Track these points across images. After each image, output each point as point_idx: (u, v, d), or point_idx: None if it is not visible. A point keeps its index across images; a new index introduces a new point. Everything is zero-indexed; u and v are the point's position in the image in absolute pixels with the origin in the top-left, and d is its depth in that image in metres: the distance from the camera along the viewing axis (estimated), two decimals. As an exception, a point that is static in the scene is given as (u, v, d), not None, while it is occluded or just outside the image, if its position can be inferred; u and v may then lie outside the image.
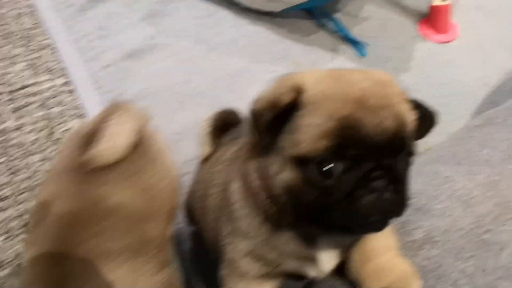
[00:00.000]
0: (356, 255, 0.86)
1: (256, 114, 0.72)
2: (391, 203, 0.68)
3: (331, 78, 0.70)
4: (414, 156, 0.73)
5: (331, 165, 0.65)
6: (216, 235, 0.98)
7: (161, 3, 2.17)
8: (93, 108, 1.76)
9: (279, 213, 0.76)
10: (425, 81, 1.96)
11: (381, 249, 0.86)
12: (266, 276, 0.89)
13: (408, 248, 0.96)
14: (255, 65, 1.97)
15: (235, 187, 0.86)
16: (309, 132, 0.66)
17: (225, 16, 2.14)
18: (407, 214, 1.02)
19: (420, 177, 1.12)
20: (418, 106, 0.75)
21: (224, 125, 1.23)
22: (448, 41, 2.12)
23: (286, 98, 0.68)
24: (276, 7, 2.05)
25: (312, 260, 0.84)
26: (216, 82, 1.90)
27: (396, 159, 0.69)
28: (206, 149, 1.19)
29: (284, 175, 0.71)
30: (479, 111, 1.82)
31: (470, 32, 2.14)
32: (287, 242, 0.81)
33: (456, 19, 2.18)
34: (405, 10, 2.23)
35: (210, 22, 2.12)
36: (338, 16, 2.18)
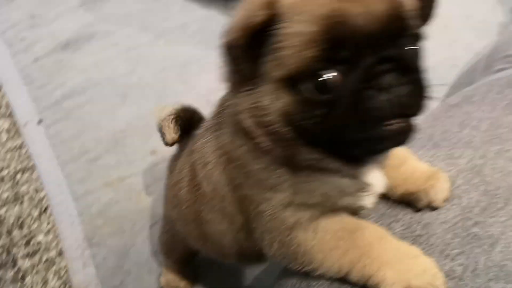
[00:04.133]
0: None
1: (230, 46, 0.62)
2: (408, 98, 0.58)
3: None
4: (421, 39, 0.64)
5: (326, 76, 0.57)
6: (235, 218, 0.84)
7: (101, -13, 1.96)
8: (23, 106, 1.55)
9: (289, 151, 0.67)
10: (391, 64, 1.83)
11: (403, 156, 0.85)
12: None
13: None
14: (207, 52, 1.80)
15: (234, 142, 0.75)
16: (292, 45, 0.58)
17: (173, 0, 1.96)
18: (382, 207, 0.88)
19: (394, 164, 0.97)
20: None
21: (187, 121, 1.09)
22: (412, 23, 2.00)
23: (259, 17, 0.59)
24: (228, -10, 1.88)
25: (362, 187, 0.75)
26: (164, 72, 1.72)
27: (400, 46, 0.59)
28: (171, 134, 1.04)
29: (278, 103, 0.62)
30: (449, 94, 1.71)
31: (435, 12, 2.02)
32: (323, 183, 0.71)
33: None
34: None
35: (156, 7, 1.94)
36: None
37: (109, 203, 1.43)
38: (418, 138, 1.03)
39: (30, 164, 1.47)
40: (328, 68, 0.57)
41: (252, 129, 0.68)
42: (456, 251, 0.79)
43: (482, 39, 1.87)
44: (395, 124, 0.59)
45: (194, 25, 1.90)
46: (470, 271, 0.77)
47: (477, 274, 0.76)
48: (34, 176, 1.45)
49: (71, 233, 1.37)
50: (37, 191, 1.43)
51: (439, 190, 0.82)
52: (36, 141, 1.51)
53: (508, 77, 1.11)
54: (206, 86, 1.70)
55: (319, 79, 0.57)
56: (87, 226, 1.38)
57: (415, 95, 0.59)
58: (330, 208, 0.74)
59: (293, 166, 0.70)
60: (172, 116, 1.05)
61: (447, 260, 0.78)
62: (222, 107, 0.82)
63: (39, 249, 1.33)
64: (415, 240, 0.81)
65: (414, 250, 0.75)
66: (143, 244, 1.35)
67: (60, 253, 1.33)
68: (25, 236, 1.34)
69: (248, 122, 0.68)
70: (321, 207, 0.74)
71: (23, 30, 1.79)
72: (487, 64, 1.47)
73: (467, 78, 1.71)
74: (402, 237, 0.83)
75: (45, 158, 1.48)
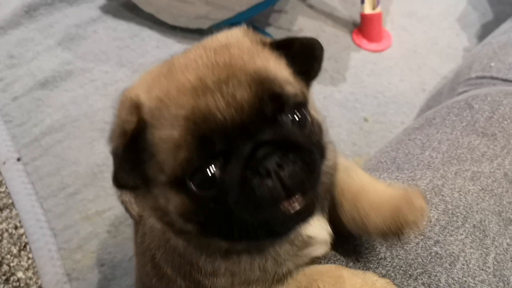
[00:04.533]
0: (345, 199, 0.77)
1: (114, 154, 0.60)
2: (297, 175, 0.56)
3: (163, 75, 0.60)
4: (305, 103, 0.62)
5: (207, 172, 0.56)
6: None
7: (78, 26, 2.01)
8: (2, 145, 1.57)
9: (201, 243, 0.66)
10: (362, 90, 1.89)
11: (364, 185, 0.77)
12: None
13: (351, 269, 0.84)
14: (184, 86, 1.84)
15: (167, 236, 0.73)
16: (164, 150, 0.56)
17: (149, 36, 2.01)
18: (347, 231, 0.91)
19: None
20: (292, 42, 0.65)
21: None
22: (382, 50, 2.08)
23: (130, 124, 0.58)
24: (203, 24, 1.94)
25: (303, 245, 0.73)
26: (142, 106, 1.75)
27: (280, 123, 0.58)
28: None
29: (172, 204, 0.60)
30: (418, 117, 1.77)
31: (403, 39, 2.11)
32: (254, 259, 0.69)
33: (388, 27, 2.15)
34: (338, 21, 2.18)
35: (133, 44, 1.98)
36: (269, 30, 2.10)
37: (88, 237, 1.44)
38: (382, 161, 1.08)
39: (9, 201, 1.48)
40: (206, 165, 0.56)
41: (164, 230, 0.68)
42: (418, 270, 0.82)
43: (449, 63, 1.95)
44: (292, 204, 0.57)
45: (170, 59, 1.94)
46: (433, 289, 0.80)
47: (439, 291, 0.80)
48: (13, 213, 1.46)
49: (50, 269, 1.37)
50: (16, 228, 1.43)
51: None
52: (15, 178, 1.52)
53: (466, 100, 1.16)
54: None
55: (200, 177, 0.56)
56: (67, 260, 1.38)
57: (305, 170, 0.57)
58: (277, 277, 0.72)
59: (218, 253, 0.68)
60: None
61: (410, 280, 0.81)
62: None
63: (18, 285, 1.33)
64: (379, 263, 0.84)
65: (370, 277, 0.76)
66: (122, 277, 1.36)
67: (40, 290, 1.34)
68: (4, 273, 1.34)
69: (158, 224, 0.68)
70: (266, 280, 0.72)
71: (2, 70, 1.82)
72: (451, 87, 1.54)
73: (435, 102, 1.77)
74: (367, 260, 0.86)
75: (24, 195, 1.49)
